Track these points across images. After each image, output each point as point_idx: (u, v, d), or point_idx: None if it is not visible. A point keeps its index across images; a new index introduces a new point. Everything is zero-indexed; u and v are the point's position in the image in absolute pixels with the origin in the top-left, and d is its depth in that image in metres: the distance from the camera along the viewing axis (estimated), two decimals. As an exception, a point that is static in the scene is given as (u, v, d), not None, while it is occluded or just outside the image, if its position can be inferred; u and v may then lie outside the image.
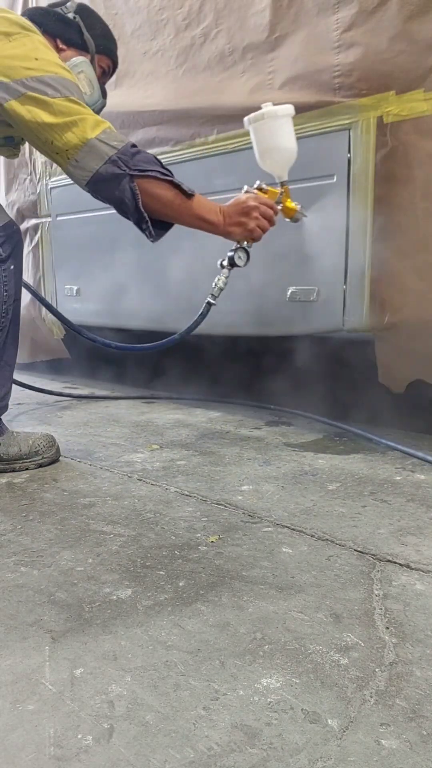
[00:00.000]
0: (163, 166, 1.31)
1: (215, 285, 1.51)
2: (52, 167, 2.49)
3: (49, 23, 1.43)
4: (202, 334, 2.06)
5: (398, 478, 1.37)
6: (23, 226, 2.64)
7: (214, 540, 1.04)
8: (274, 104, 1.39)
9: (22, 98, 1.22)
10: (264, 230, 1.40)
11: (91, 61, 1.47)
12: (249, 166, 1.81)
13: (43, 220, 2.57)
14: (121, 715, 0.63)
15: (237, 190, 1.89)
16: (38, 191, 2.58)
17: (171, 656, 0.73)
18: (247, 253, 1.45)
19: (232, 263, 1.45)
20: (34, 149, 2.53)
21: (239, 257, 1.45)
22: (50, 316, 2.60)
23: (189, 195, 1.31)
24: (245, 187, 1.41)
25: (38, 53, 1.25)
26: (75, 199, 2.40)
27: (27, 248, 2.65)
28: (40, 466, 1.44)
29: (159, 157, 2.00)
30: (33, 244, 2.63)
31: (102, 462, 1.49)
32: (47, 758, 0.57)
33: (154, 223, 1.34)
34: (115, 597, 0.86)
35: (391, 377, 1.67)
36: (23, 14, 1.45)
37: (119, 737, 0.60)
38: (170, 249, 2.08)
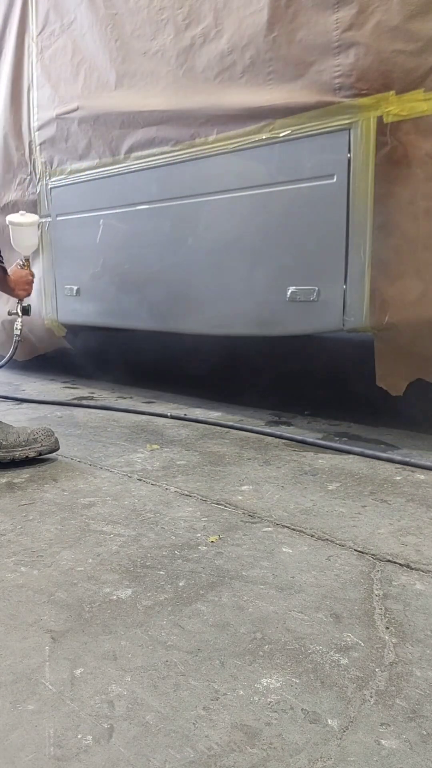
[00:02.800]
0: None
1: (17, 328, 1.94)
2: (52, 167, 2.49)
3: None
4: (203, 334, 2.07)
5: (398, 478, 1.37)
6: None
7: (214, 540, 1.04)
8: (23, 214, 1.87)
9: None
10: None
11: None
12: (249, 166, 1.82)
13: (43, 220, 2.57)
14: (121, 715, 0.63)
15: (237, 190, 1.90)
16: (38, 191, 2.58)
17: (171, 656, 0.73)
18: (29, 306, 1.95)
19: (25, 312, 1.92)
20: (34, 149, 2.53)
21: (26, 310, 1.93)
22: (50, 316, 2.60)
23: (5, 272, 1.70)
24: (19, 263, 1.85)
25: None
26: (75, 199, 2.40)
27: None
28: (40, 454, 1.44)
29: (159, 157, 2.02)
30: (33, 244, 2.63)
31: (102, 462, 1.49)
32: (47, 758, 0.57)
33: None
34: (115, 597, 0.86)
35: (389, 380, 1.66)
36: None
37: (119, 737, 0.60)
38: (171, 249, 2.09)
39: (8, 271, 1.80)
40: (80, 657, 0.72)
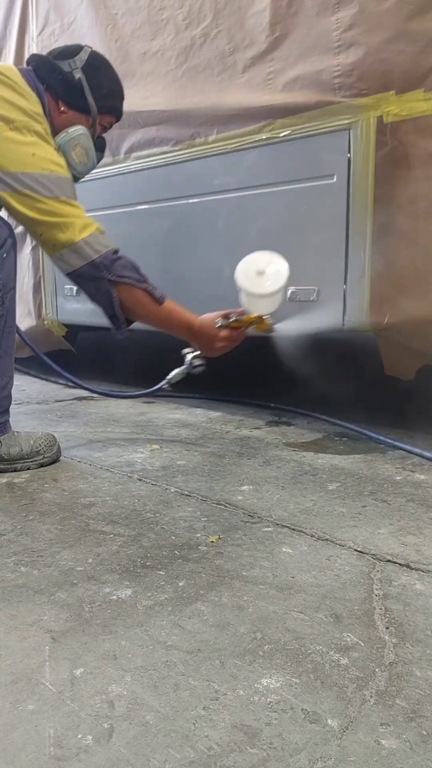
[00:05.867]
0: (139, 273, 1.39)
1: (170, 377, 1.63)
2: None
3: (53, 82, 1.43)
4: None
5: (398, 477, 1.37)
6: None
7: (214, 540, 1.04)
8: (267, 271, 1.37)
9: (15, 193, 1.29)
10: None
11: (93, 124, 1.51)
12: (248, 166, 1.82)
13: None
14: (121, 715, 0.63)
15: (237, 190, 1.89)
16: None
17: (171, 656, 0.73)
18: (203, 365, 1.54)
19: (189, 371, 1.56)
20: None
21: (197, 368, 1.54)
22: (50, 316, 2.61)
23: (159, 302, 1.40)
24: (219, 321, 1.40)
25: (36, 148, 1.31)
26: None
27: (26, 249, 2.65)
28: (42, 465, 1.44)
29: (159, 157, 2.00)
30: (33, 244, 2.63)
31: (102, 462, 1.49)
32: (47, 758, 0.57)
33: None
34: (115, 597, 0.86)
35: (397, 367, 1.66)
36: (29, 62, 1.46)
37: (119, 737, 0.60)
38: (173, 248, 2.09)
39: (191, 318, 1.40)
40: (80, 657, 0.72)
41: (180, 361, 1.59)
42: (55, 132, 1.45)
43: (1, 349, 1.41)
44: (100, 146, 1.58)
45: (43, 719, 0.62)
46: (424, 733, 0.60)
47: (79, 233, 1.33)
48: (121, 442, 1.68)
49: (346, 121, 1.57)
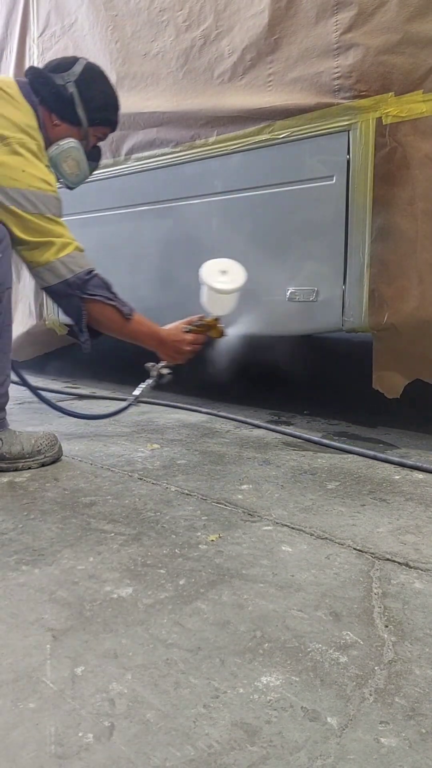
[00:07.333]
0: (110, 290, 1.46)
1: (138, 393, 1.70)
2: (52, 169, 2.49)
3: (47, 95, 1.46)
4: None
5: (397, 477, 1.38)
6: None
7: (214, 539, 1.05)
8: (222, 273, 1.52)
9: (2, 210, 1.32)
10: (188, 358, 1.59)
11: (85, 136, 1.52)
12: (248, 168, 1.82)
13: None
14: (121, 713, 0.63)
15: (236, 190, 1.90)
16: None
17: (171, 654, 0.73)
18: (171, 375, 1.65)
19: (157, 381, 1.66)
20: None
21: (163, 377, 1.64)
22: (51, 316, 2.61)
23: (127, 317, 1.47)
24: (186, 327, 1.54)
25: (26, 165, 1.35)
26: (76, 200, 2.40)
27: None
28: (43, 465, 1.44)
29: (159, 157, 2.01)
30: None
31: (103, 461, 1.50)
32: (48, 756, 0.58)
33: (92, 333, 1.50)
34: (115, 595, 0.86)
35: (385, 382, 1.65)
36: (27, 74, 1.49)
37: (120, 735, 0.60)
38: (173, 248, 2.09)
39: (156, 328, 1.51)
40: (81, 655, 0.73)
41: (143, 375, 1.67)
42: (49, 143, 1.48)
43: (2, 347, 1.41)
44: (94, 156, 1.60)
45: (44, 717, 0.63)
46: (423, 731, 0.61)
47: (56, 253, 1.38)
48: (122, 441, 1.69)
49: (346, 123, 1.57)
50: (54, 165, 1.50)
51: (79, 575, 0.92)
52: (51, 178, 1.41)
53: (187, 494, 1.27)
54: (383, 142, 1.51)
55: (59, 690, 0.67)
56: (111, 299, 1.45)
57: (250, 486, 1.32)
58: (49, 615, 0.81)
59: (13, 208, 1.32)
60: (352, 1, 1.50)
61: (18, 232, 1.35)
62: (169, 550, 1.01)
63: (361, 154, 1.56)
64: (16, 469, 1.41)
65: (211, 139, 1.88)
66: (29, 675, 0.69)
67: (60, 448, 1.49)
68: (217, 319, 1.56)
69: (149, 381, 1.67)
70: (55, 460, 1.47)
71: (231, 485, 1.32)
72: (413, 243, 1.51)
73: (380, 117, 1.50)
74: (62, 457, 1.51)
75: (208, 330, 1.56)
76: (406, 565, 0.95)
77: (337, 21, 1.54)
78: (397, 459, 1.48)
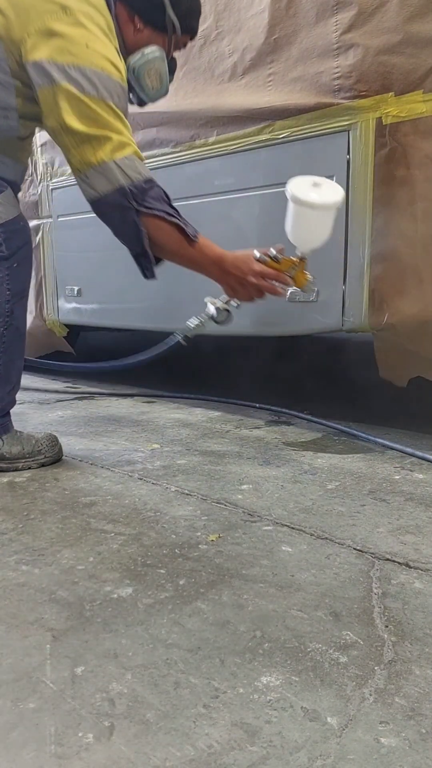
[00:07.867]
0: (171, 206, 1.24)
1: (189, 325, 1.45)
2: (53, 168, 2.49)
3: None
4: (204, 334, 2.06)
5: (397, 477, 1.38)
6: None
7: (214, 539, 1.05)
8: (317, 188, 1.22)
9: (53, 87, 1.10)
10: (257, 299, 1.31)
11: (168, 44, 1.33)
12: (248, 167, 1.82)
13: (44, 221, 2.58)
14: (121, 713, 0.63)
15: (236, 191, 1.90)
16: (39, 192, 2.58)
17: (171, 654, 0.73)
18: (230, 313, 1.37)
19: (211, 316, 1.38)
20: (35, 150, 2.53)
21: (220, 314, 1.36)
22: (51, 316, 2.61)
23: (192, 240, 1.25)
24: (256, 253, 1.26)
25: (92, 40, 1.11)
26: (76, 200, 2.40)
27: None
28: (43, 465, 1.44)
29: (159, 158, 1.99)
30: (34, 245, 2.63)
31: (103, 461, 1.50)
32: (48, 756, 0.58)
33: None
34: (115, 595, 0.86)
35: (392, 372, 1.66)
36: None
37: (120, 735, 0.60)
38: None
39: (218, 251, 1.24)
40: (81, 655, 0.73)
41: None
42: (125, 52, 1.27)
43: (11, 355, 1.41)
44: (172, 68, 1.40)
45: (44, 717, 0.63)
46: (423, 731, 0.61)
47: (112, 152, 1.14)
48: (122, 441, 1.69)
49: (346, 123, 1.57)
50: (135, 77, 1.31)
51: (79, 575, 0.92)
52: (121, 64, 1.19)
53: (187, 494, 1.27)
54: (383, 142, 1.51)
55: (59, 690, 0.67)
56: (173, 216, 1.23)
57: (250, 486, 1.32)
58: (49, 615, 0.81)
59: (68, 86, 1.09)
60: (352, 1, 1.50)
61: (69, 119, 1.11)
62: (169, 550, 1.01)
63: (361, 154, 1.56)
64: (16, 469, 1.41)
65: (211, 139, 1.88)
66: (29, 675, 0.69)
67: (60, 448, 1.49)
68: (303, 259, 1.26)
69: (202, 315, 1.41)
70: (56, 460, 1.47)
71: (231, 485, 1.32)
72: (413, 243, 1.52)
73: (380, 117, 1.51)
74: (62, 457, 1.51)
75: (289, 270, 1.25)
76: (406, 565, 0.95)
77: (337, 21, 1.54)
78: (410, 450, 1.52)
